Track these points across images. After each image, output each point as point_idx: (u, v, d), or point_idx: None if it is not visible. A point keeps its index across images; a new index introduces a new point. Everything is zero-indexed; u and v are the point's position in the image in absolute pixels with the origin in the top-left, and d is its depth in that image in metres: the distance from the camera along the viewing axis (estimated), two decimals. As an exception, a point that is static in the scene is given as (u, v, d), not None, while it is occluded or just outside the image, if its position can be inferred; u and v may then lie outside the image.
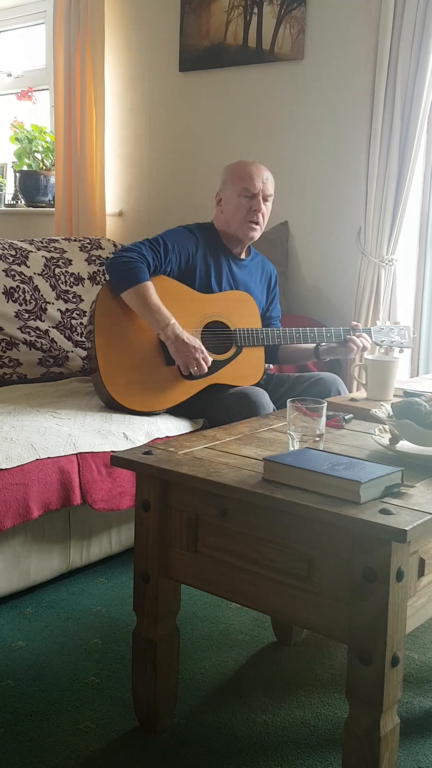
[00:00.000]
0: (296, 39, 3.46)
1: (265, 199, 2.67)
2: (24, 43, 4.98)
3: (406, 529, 1.30)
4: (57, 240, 3.41)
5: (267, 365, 2.83)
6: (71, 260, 3.32)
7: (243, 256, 2.79)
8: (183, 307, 2.58)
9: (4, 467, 2.13)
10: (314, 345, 2.75)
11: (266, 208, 2.69)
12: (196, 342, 2.53)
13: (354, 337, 2.67)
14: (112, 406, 2.56)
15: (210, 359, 2.54)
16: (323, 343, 2.73)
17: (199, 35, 3.78)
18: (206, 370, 2.53)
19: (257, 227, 2.68)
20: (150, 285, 2.52)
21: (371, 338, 2.71)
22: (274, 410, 2.46)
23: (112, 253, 3.32)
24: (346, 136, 3.36)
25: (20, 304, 3.06)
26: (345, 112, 3.36)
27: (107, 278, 2.66)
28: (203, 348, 2.53)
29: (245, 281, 2.75)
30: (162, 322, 2.51)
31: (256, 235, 2.71)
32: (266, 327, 2.82)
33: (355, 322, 2.77)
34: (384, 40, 3.03)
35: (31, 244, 3.29)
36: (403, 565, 1.36)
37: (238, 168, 2.70)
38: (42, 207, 4.56)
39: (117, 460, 1.69)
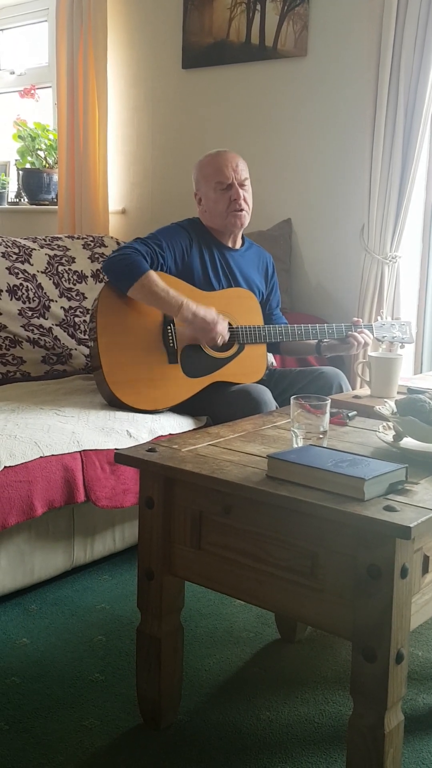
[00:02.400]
0: (299, 36, 3.46)
1: (241, 185, 2.66)
2: (27, 40, 4.98)
3: (411, 525, 1.30)
4: (60, 238, 3.41)
5: (271, 362, 2.83)
6: (74, 258, 3.32)
7: (237, 246, 2.78)
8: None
9: (8, 464, 2.13)
10: (316, 341, 2.74)
11: (246, 192, 2.67)
12: (213, 313, 2.53)
13: (355, 333, 2.67)
14: (115, 404, 2.56)
15: (227, 326, 2.57)
16: (325, 340, 2.72)
17: (201, 32, 3.78)
18: (227, 338, 2.58)
19: (243, 213, 2.67)
20: (152, 273, 2.51)
21: (372, 334, 2.71)
22: (276, 407, 2.46)
23: (107, 256, 3.31)
24: (350, 132, 3.36)
25: (24, 302, 3.06)
26: (348, 109, 3.36)
27: (108, 279, 2.66)
28: (221, 318, 2.54)
29: (243, 271, 2.75)
30: (175, 305, 2.50)
31: (245, 220, 2.69)
32: (268, 315, 2.83)
33: (356, 318, 2.77)
34: (387, 37, 3.03)
35: (34, 241, 3.29)
36: (407, 561, 1.36)
37: (207, 163, 2.69)
38: (45, 205, 4.56)
39: (121, 457, 1.69)
